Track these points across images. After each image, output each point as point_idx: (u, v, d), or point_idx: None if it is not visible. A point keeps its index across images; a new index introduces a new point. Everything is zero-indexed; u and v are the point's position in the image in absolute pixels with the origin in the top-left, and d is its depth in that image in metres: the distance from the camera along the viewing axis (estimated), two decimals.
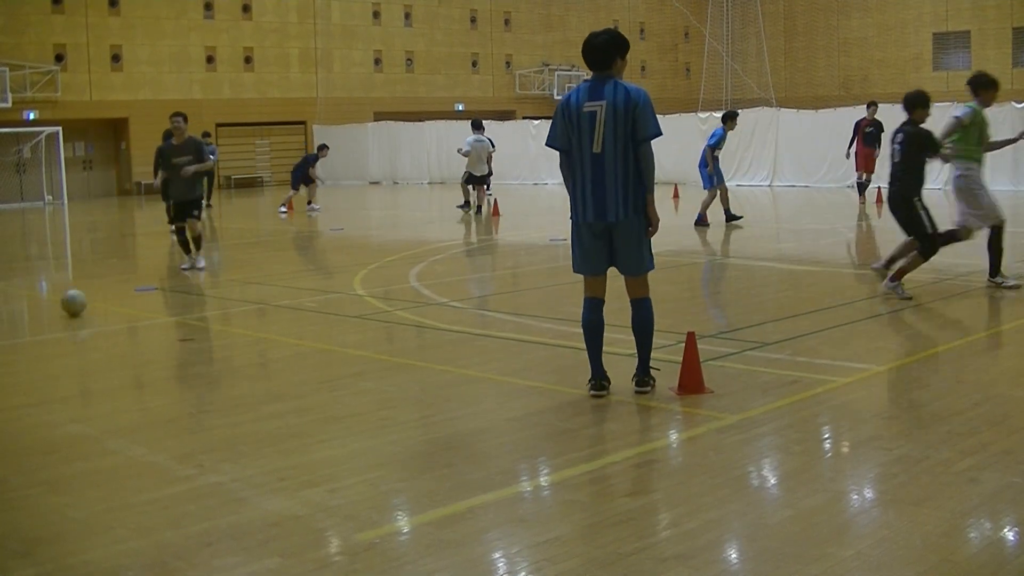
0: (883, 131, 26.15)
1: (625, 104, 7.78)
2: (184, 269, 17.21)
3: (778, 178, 35.82)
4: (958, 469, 6.16)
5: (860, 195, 26.81)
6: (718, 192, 22.17)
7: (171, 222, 17.77)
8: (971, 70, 55.22)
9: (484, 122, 29.82)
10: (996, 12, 56.31)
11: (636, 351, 8.23)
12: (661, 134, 7.92)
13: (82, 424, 7.87)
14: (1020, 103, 30.82)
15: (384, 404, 8.15)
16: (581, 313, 8.27)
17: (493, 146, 30.94)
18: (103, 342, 11.77)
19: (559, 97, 56.91)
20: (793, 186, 34.84)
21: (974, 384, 8.19)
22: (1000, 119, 30.19)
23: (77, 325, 12.47)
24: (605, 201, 7.88)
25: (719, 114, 37.67)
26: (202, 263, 17.33)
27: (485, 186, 28.16)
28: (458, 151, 28.18)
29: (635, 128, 7.79)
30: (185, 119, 17.10)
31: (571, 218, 8.18)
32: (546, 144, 8.30)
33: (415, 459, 6.74)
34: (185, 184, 17.03)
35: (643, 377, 8.20)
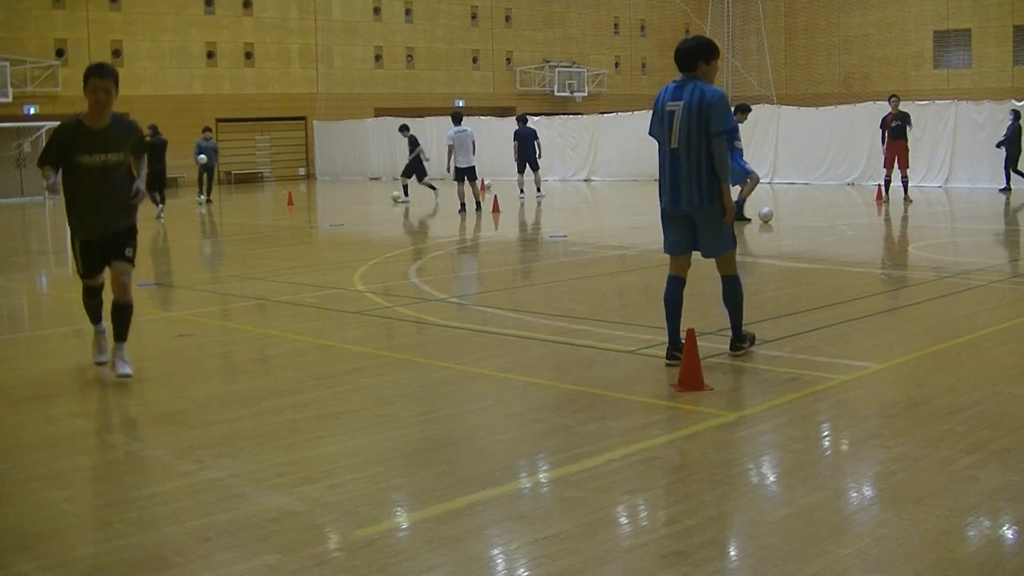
0: (910, 124, 26.12)
1: (699, 104, 8.66)
2: (100, 363, 9.67)
3: (778, 175, 35.81)
4: (957, 467, 6.16)
5: (884, 193, 26.56)
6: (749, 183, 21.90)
7: (84, 274, 9.50)
8: (971, 68, 55.71)
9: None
10: (997, 10, 56.34)
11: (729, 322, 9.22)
12: (733, 127, 9.21)
13: (81, 419, 7.87)
14: (1021, 100, 30.84)
15: (383, 400, 8.15)
16: (664, 289, 9.16)
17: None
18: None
19: (560, 93, 56.97)
20: (793, 183, 34.82)
21: (974, 382, 8.19)
22: (1000, 117, 30.20)
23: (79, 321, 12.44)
24: (679, 191, 8.84)
25: None
26: (127, 368, 9.06)
27: (479, 180, 27.80)
28: (448, 148, 27.79)
29: (708, 124, 8.66)
30: (115, 82, 8.97)
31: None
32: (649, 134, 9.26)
33: (414, 455, 6.74)
34: (115, 206, 9.17)
35: (736, 343, 9.18)
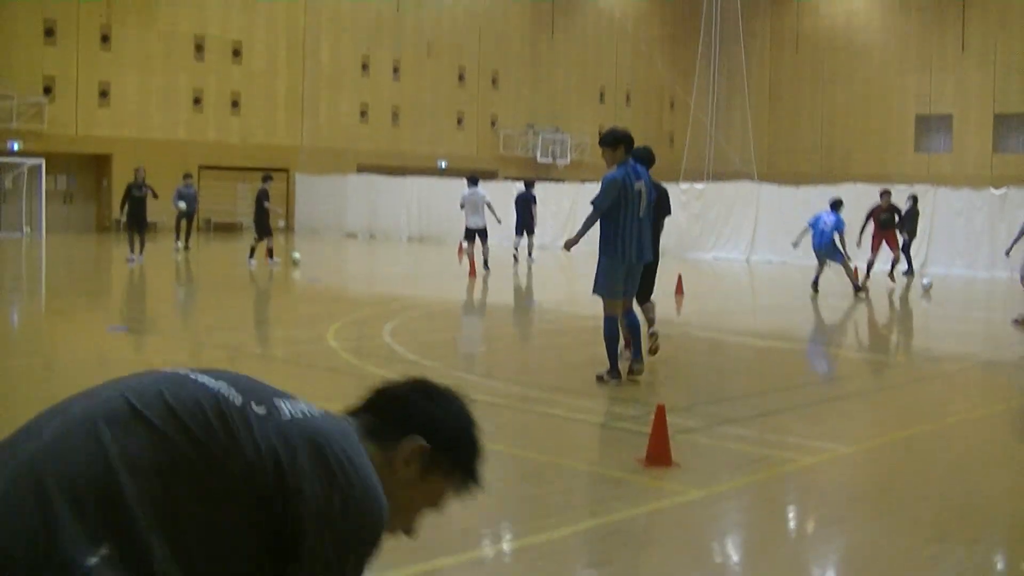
0: (898, 214, 26.39)
1: (650, 184, 11.44)
2: None
3: (755, 252, 35.95)
4: (923, 555, 6.15)
5: (866, 275, 26.25)
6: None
7: None
8: (952, 154, 56.23)
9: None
10: (979, 98, 57.06)
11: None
12: (598, 206, 11.12)
13: None
14: (999, 189, 31.14)
15: None
16: (606, 326, 11.19)
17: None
18: (71, 382, 11.67)
19: (542, 159, 57.19)
20: (770, 261, 34.94)
21: (942, 470, 8.20)
22: (978, 205, 30.45)
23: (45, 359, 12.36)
24: (644, 248, 11.32)
25: (700, 186, 38.19)
26: None
27: (485, 239, 27.10)
28: (460, 207, 27.80)
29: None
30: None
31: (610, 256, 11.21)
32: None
33: None
34: None
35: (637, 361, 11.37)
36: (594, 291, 11.47)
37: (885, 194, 26.64)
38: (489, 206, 27.37)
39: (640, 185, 11.13)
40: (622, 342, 11.54)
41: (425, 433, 2.79)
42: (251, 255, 27.84)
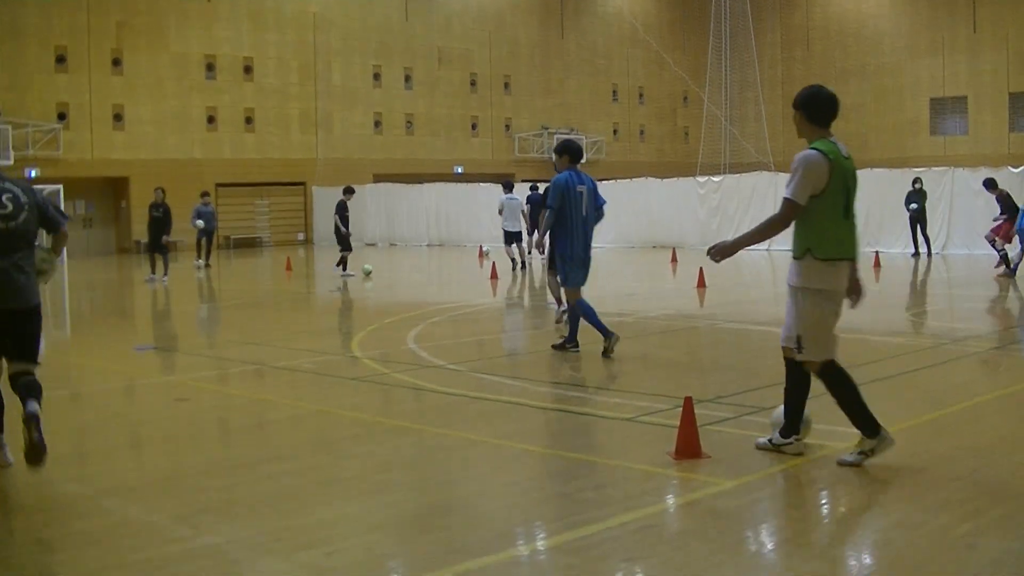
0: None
1: (594, 188, 13.40)
2: None
3: (775, 243, 35.80)
4: (956, 534, 6.14)
5: (1006, 265, 24.54)
6: None
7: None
8: (968, 135, 56.07)
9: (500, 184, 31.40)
10: (992, 77, 56.86)
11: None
12: (552, 207, 13.21)
13: (78, 483, 7.84)
14: (1017, 168, 31.00)
15: (381, 467, 8.13)
16: (581, 305, 13.31)
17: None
18: (100, 401, 11.74)
19: None
20: (790, 251, 34.74)
21: (971, 449, 8.17)
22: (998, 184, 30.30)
23: (74, 383, 12.42)
24: (589, 243, 13.41)
25: (718, 179, 38.17)
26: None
27: (523, 243, 29.51)
28: (499, 213, 29.94)
29: (596, 199, 13.43)
30: None
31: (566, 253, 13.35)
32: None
33: (411, 522, 6.72)
34: None
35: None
36: (565, 284, 13.54)
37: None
38: (523, 211, 29.81)
39: (583, 188, 13.18)
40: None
41: None
42: (342, 266, 29.32)
